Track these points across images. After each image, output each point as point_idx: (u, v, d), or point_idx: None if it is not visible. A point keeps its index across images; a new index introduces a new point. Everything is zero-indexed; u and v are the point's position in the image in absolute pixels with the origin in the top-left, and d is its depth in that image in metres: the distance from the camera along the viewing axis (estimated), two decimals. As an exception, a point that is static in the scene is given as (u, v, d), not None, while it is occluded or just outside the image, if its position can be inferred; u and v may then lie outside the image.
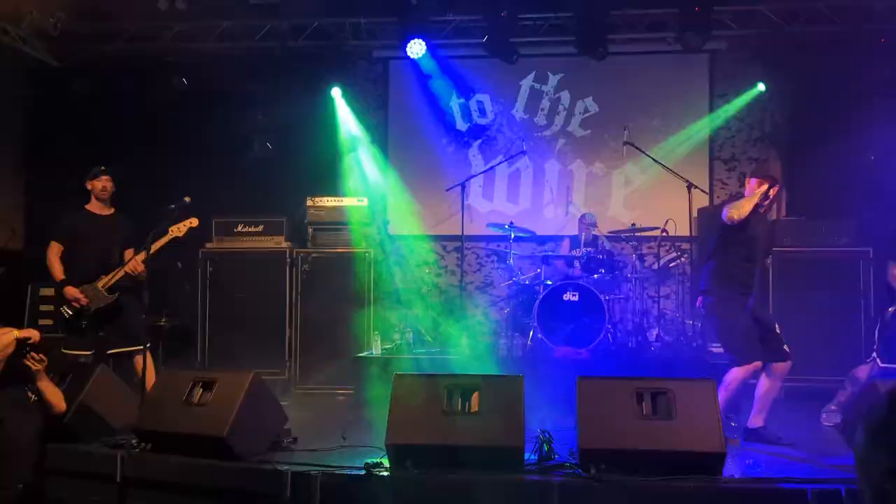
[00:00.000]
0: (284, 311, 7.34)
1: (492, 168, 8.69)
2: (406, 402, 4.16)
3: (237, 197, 8.14)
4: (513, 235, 7.51)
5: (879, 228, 6.86)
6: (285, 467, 4.03)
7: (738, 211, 4.77)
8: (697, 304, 5.44)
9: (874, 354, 5.56)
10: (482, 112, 9.00)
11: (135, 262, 5.40)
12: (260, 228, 7.60)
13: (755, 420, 4.84)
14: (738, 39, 8.08)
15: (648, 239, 8.06)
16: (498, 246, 8.73)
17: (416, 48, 7.74)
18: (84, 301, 5.40)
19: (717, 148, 8.63)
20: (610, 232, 7.94)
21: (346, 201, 7.74)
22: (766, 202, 4.99)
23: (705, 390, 4.00)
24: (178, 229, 5.54)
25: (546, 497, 3.70)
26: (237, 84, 8.07)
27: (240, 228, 7.57)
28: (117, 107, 8.33)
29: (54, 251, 5.52)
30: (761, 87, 7.98)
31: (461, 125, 9.02)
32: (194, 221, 5.66)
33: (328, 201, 7.70)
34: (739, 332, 4.81)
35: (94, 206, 5.69)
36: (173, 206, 5.57)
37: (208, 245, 7.51)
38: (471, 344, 7.04)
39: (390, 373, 5.00)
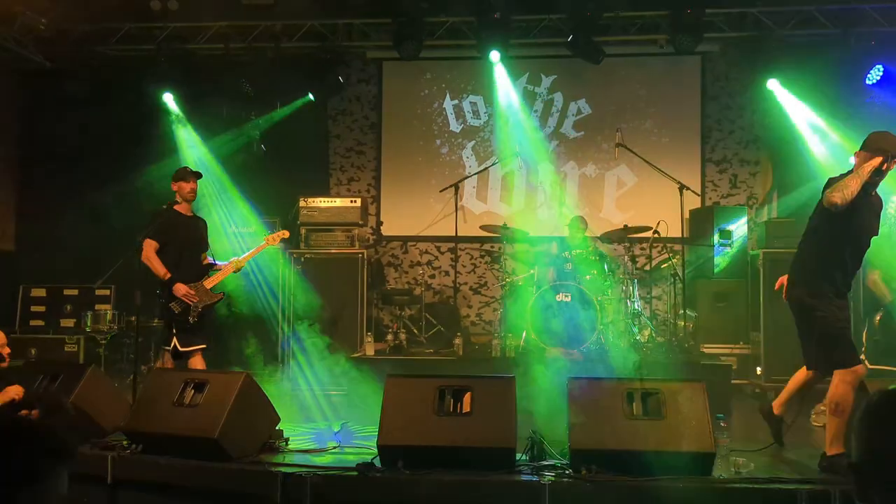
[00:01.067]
0: (278, 311, 7.34)
1: (485, 169, 8.70)
2: (398, 402, 4.17)
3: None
4: (506, 236, 7.52)
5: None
6: (277, 468, 4.03)
7: (842, 194, 3.92)
8: (787, 300, 4.60)
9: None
10: (475, 113, 9.02)
11: (238, 262, 5.72)
12: (252, 229, 7.60)
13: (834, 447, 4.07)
14: (730, 42, 8.11)
15: (640, 240, 8.08)
16: (492, 247, 8.75)
17: None
18: (195, 298, 5.47)
19: (708, 150, 8.67)
20: (602, 233, 7.96)
21: (339, 202, 7.74)
22: (878, 179, 4.09)
23: (695, 391, 4.02)
24: (273, 239, 5.94)
25: (537, 497, 3.71)
26: (230, 85, 8.05)
27: (233, 228, 7.57)
28: (110, 107, 8.31)
29: (151, 248, 5.53)
30: None
31: (455, 126, 9.03)
32: (286, 233, 6.14)
33: (321, 202, 7.71)
34: (836, 332, 4.16)
35: (182, 208, 5.74)
36: (165, 206, 5.59)
37: (201, 246, 7.51)
38: (464, 345, 7.06)
39: (383, 373, 5.00)
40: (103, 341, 7.64)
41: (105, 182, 8.04)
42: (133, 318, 5.58)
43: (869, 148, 4.09)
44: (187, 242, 5.61)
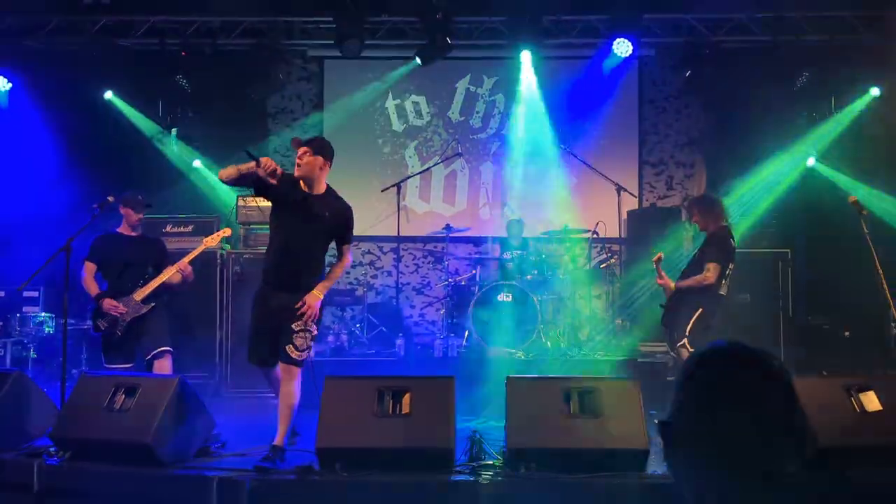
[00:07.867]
0: (215, 312, 7.19)
1: (428, 169, 8.70)
2: (337, 404, 4.14)
3: (166, 196, 7.94)
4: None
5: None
6: (212, 473, 3.95)
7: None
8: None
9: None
10: (418, 113, 9.01)
11: (170, 272, 5.58)
12: (190, 228, 7.42)
13: None
14: (666, 47, 8.30)
15: (580, 240, 8.20)
16: (434, 247, 8.76)
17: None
18: (122, 310, 5.43)
19: (645, 152, 8.86)
20: (542, 233, 8.05)
21: (280, 202, 7.61)
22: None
23: (630, 389, 4.10)
24: (213, 239, 5.83)
25: (475, 497, 3.73)
26: (166, 81, 7.86)
27: (169, 228, 7.38)
28: (39, 102, 8.02)
29: (88, 272, 5.61)
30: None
31: (397, 126, 9.01)
32: (227, 231, 5.98)
33: (260, 201, 7.56)
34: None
35: (124, 229, 5.75)
36: (96, 205, 5.46)
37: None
38: (406, 345, 7.05)
39: (323, 375, 4.94)
40: (31, 345, 7.36)
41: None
42: (63, 321, 5.40)
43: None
44: (126, 264, 5.59)
